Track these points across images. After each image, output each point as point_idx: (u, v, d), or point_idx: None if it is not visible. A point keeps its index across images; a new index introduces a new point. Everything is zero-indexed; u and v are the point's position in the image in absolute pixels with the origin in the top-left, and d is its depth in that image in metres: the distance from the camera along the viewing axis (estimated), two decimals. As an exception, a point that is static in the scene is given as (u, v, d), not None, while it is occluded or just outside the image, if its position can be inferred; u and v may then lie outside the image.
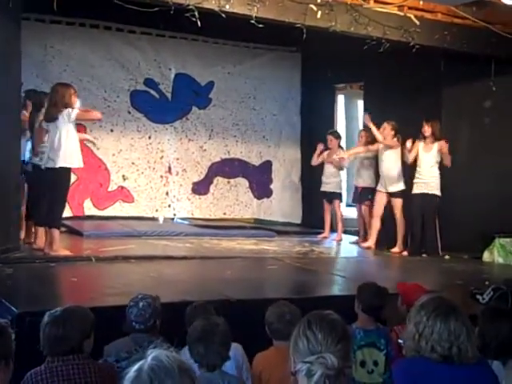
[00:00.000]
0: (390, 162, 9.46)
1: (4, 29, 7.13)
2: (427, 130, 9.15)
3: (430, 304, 2.94)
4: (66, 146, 7.31)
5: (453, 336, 2.81)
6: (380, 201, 9.62)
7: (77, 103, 7.56)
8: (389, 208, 9.56)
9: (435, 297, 3.04)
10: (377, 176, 9.83)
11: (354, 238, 10.56)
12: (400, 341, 3.94)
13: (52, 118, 7.38)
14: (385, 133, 9.44)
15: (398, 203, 9.47)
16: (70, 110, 7.32)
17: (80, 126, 10.60)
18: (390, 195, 9.52)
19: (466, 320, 2.90)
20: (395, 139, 9.43)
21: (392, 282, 5.75)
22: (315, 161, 10.67)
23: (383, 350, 4.34)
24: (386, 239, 9.55)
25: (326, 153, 10.59)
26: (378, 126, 9.50)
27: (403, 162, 9.38)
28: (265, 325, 4.11)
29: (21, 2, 7.41)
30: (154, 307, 4.14)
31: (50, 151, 7.36)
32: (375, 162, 9.92)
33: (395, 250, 9.38)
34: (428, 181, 9.17)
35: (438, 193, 9.14)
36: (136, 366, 1.88)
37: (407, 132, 9.32)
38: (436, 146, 9.13)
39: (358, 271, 8.05)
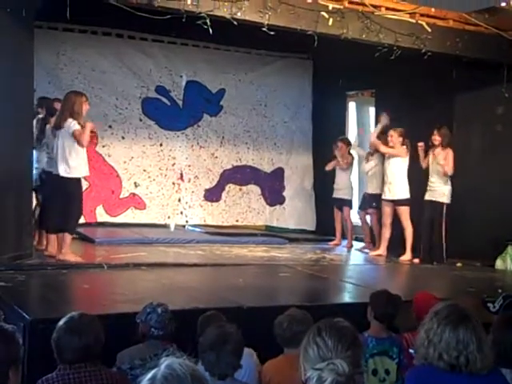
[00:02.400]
0: (396, 170, 9.45)
1: (17, 37, 7.18)
2: (437, 138, 9.13)
3: (443, 311, 2.92)
4: (69, 156, 7.35)
5: (461, 345, 2.78)
6: (386, 210, 9.60)
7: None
8: (397, 216, 9.52)
9: (449, 304, 3.01)
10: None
11: (361, 245, 10.57)
12: (411, 350, 3.92)
13: (58, 125, 7.46)
14: (393, 140, 9.42)
15: (403, 211, 9.41)
16: (72, 122, 7.36)
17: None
18: (395, 203, 9.49)
19: (478, 329, 2.86)
20: (404, 146, 9.41)
21: (404, 289, 5.73)
22: (329, 166, 10.76)
23: (395, 358, 4.31)
24: (397, 247, 9.51)
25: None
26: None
27: (411, 170, 9.36)
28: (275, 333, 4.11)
29: (34, 10, 7.46)
30: (170, 313, 4.15)
31: (56, 158, 7.42)
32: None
33: (404, 257, 9.33)
34: (436, 188, 9.14)
35: (446, 200, 9.09)
36: (149, 375, 1.89)
37: (419, 139, 9.29)
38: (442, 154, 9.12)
39: (369, 279, 8.01)
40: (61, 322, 3.43)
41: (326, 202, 11.40)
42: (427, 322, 2.92)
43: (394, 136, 9.40)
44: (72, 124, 7.33)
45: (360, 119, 13.23)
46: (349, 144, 10.77)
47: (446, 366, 2.79)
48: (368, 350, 4.26)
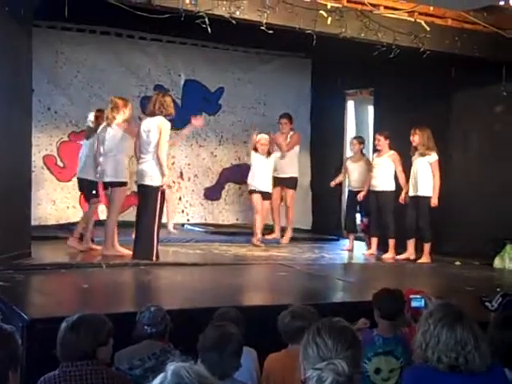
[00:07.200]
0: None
1: (16, 36, 7.18)
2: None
3: (438, 312, 2.91)
4: None
5: (459, 345, 2.78)
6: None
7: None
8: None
9: (443, 304, 3.01)
10: None
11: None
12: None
13: None
14: None
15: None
16: None
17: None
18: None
19: (474, 327, 2.85)
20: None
21: (402, 288, 5.72)
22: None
23: (400, 358, 4.30)
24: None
25: None
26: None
27: None
28: (277, 330, 4.10)
29: (32, 9, 7.45)
30: (164, 313, 4.22)
31: None
32: None
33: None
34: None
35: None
36: (156, 382, 1.85)
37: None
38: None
39: (368, 278, 8.02)
40: (64, 320, 3.46)
41: (322, 201, 11.41)
42: (422, 324, 2.91)
43: None
44: None
45: (359, 118, 13.23)
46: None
47: (446, 368, 2.78)
48: (374, 347, 4.24)
